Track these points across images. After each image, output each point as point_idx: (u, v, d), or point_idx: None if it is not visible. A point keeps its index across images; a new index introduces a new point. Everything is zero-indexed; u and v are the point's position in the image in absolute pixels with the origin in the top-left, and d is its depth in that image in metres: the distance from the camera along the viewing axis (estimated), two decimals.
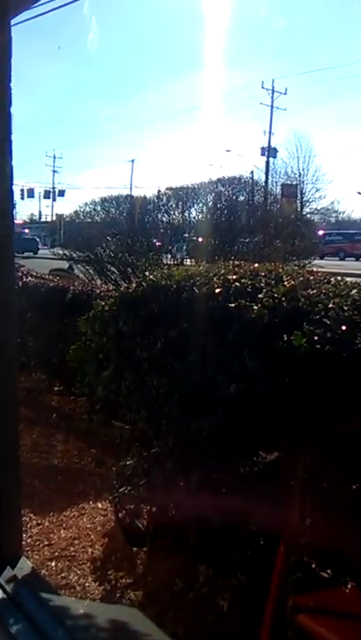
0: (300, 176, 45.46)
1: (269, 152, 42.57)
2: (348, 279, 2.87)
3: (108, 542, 3.35)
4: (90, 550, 3.28)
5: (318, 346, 2.16)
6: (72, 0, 7.17)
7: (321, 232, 34.08)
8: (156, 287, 2.91)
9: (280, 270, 2.89)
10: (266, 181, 39.67)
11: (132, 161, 56.87)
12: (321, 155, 64.58)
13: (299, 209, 39.50)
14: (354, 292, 2.51)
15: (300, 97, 73.74)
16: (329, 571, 2.42)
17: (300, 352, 2.16)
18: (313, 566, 2.43)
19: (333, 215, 49.02)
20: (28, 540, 3.34)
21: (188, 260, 8.72)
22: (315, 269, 4.52)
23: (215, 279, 2.69)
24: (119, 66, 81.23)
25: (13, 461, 2.89)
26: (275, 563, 2.23)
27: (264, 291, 2.51)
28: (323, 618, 2.01)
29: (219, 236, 8.34)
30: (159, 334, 2.70)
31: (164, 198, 13.60)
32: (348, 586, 2.28)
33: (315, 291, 2.51)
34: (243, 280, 2.64)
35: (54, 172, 60.84)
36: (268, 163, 42.23)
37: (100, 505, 3.80)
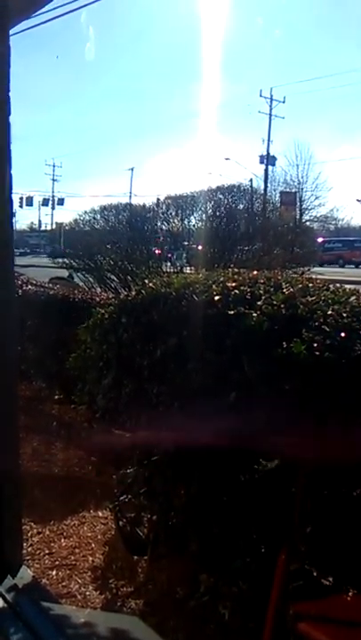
0: (299, 184, 45.60)
1: (268, 160, 42.76)
2: (347, 286, 2.88)
3: (108, 551, 3.34)
4: (90, 559, 3.28)
5: (317, 353, 2.16)
6: (70, 10, 7.22)
7: (320, 239, 34.19)
8: (155, 295, 2.91)
9: (279, 278, 2.90)
10: (265, 189, 39.73)
11: (132, 169, 57.13)
12: (320, 162, 64.71)
13: (298, 216, 39.56)
14: (353, 298, 2.52)
15: (299, 105, 74.06)
16: (330, 578, 2.42)
17: (299, 359, 2.16)
18: (314, 574, 2.42)
19: (333, 223, 49.09)
20: (29, 549, 3.33)
21: (188, 268, 8.74)
22: (314, 277, 4.53)
23: (214, 286, 2.70)
24: (118, 74, 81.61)
25: (13, 470, 2.89)
26: (275, 570, 2.23)
27: (263, 298, 2.52)
28: (324, 626, 2.00)
29: (218, 244, 8.36)
30: (159, 342, 2.71)
31: (164, 206, 13.61)
32: (350, 593, 2.28)
33: (314, 298, 2.52)
34: (242, 287, 2.65)
35: (54, 180, 61.03)
36: (266, 171, 42.45)
37: (100, 513, 3.80)
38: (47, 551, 3.36)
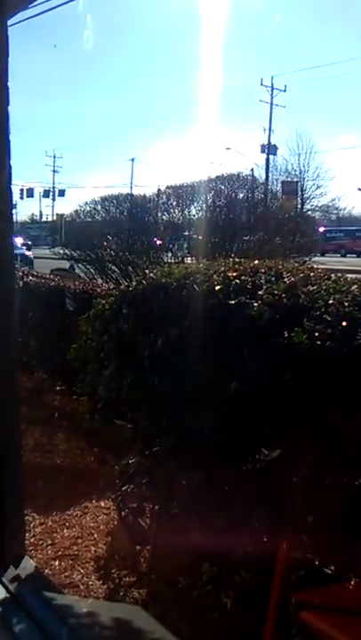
0: (300, 173, 45.36)
1: (269, 149, 42.53)
2: (348, 275, 2.87)
3: (111, 541, 3.35)
4: (93, 549, 3.29)
5: (319, 342, 2.16)
6: (68, 0, 7.15)
7: (322, 229, 34.11)
8: (156, 285, 2.91)
9: (280, 267, 2.89)
10: (266, 179, 39.55)
11: (132, 160, 56.90)
12: (322, 152, 64.46)
13: (299, 206, 39.43)
14: (354, 287, 2.50)
15: (301, 94, 73.62)
16: (332, 567, 2.42)
17: (300, 348, 2.16)
18: (316, 563, 2.43)
19: (334, 212, 48.88)
20: (32, 540, 3.34)
21: (189, 258, 8.71)
22: (315, 266, 4.51)
23: (215, 276, 2.69)
24: (118, 64, 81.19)
25: (15, 461, 2.89)
26: (278, 560, 2.23)
27: (264, 288, 2.51)
28: (326, 614, 2.01)
29: (219, 234, 8.33)
30: (160, 332, 2.70)
31: (164, 197, 13.56)
32: (352, 582, 2.28)
33: (315, 287, 2.51)
34: (243, 277, 2.64)
35: (54, 171, 60.83)
36: (267, 160, 42.20)
37: (102, 504, 3.80)
38: (50, 541, 3.37)
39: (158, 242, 9.59)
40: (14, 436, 2.90)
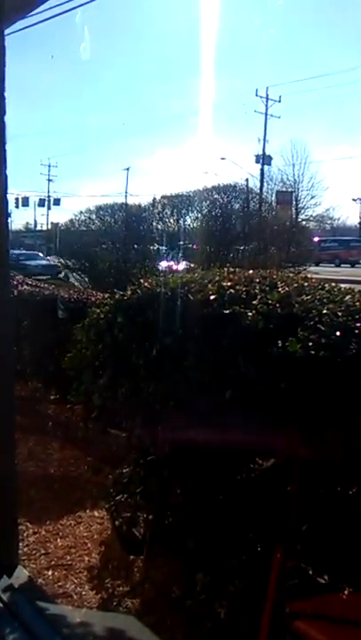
0: (295, 183, 45.65)
1: (264, 160, 42.71)
2: (342, 285, 2.89)
3: (104, 550, 3.34)
4: (87, 559, 3.27)
5: (313, 351, 2.17)
6: (66, 10, 7.19)
7: (316, 239, 34.21)
8: (151, 294, 2.91)
9: (274, 277, 2.90)
10: (261, 189, 39.72)
11: (127, 169, 56.94)
12: (317, 162, 64.88)
13: (294, 216, 39.56)
14: (348, 297, 2.52)
15: (295, 105, 73.99)
16: (326, 576, 2.42)
17: (294, 357, 2.17)
18: (310, 572, 2.43)
19: (329, 222, 49.17)
20: (25, 549, 3.32)
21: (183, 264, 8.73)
22: (309, 276, 4.54)
23: (210, 286, 2.70)
24: (115, 74, 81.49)
25: (9, 470, 2.89)
26: (271, 569, 2.23)
27: (259, 297, 2.52)
28: (320, 623, 2.01)
29: (214, 244, 8.36)
30: (155, 341, 2.70)
31: (160, 206, 13.60)
32: (345, 591, 2.28)
33: (309, 297, 2.53)
34: (237, 287, 2.65)
35: (49, 180, 60.81)
36: (262, 170, 42.37)
37: (96, 513, 3.79)
38: (43, 551, 3.35)
39: (153, 251, 9.62)
40: (8, 444, 2.90)
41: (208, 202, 12.19)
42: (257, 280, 2.79)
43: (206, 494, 2.59)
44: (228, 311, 2.47)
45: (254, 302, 2.48)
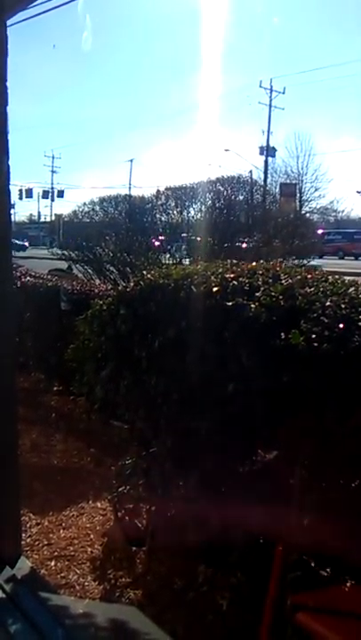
0: (299, 175, 45.46)
1: (268, 151, 42.53)
2: (346, 278, 2.87)
3: (107, 542, 3.34)
4: (89, 550, 3.28)
5: (316, 344, 2.16)
6: (68, 0, 7.14)
7: (320, 231, 34.11)
8: (154, 286, 2.90)
9: (278, 269, 2.89)
10: (265, 181, 39.63)
11: (131, 161, 56.77)
12: (321, 154, 64.54)
13: (298, 208, 39.44)
14: (351, 290, 2.51)
15: (300, 96, 73.70)
16: (328, 569, 2.42)
17: (297, 350, 2.16)
18: (312, 565, 2.43)
19: (333, 214, 49.01)
20: (28, 540, 3.33)
21: (187, 260, 8.71)
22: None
23: (213, 278, 2.69)
24: (118, 65, 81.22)
25: (12, 461, 2.90)
26: (274, 561, 2.23)
27: (262, 289, 2.51)
28: (321, 616, 2.00)
29: (217, 236, 8.33)
30: (157, 333, 2.70)
31: (163, 198, 13.61)
32: (347, 584, 2.28)
33: (312, 289, 2.51)
34: (240, 278, 2.64)
35: (53, 172, 60.71)
36: (266, 162, 42.21)
37: (99, 504, 3.80)
38: (46, 542, 3.36)
39: (156, 243, 9.58)
40: (11, 436, 2.91)
41: (212, 193, 12.17)
42: (260, 272, 2.77)
43: (208, 486, 2.59)
44: (230, 303, 2.46)
45: (257, 294, 2.47)
